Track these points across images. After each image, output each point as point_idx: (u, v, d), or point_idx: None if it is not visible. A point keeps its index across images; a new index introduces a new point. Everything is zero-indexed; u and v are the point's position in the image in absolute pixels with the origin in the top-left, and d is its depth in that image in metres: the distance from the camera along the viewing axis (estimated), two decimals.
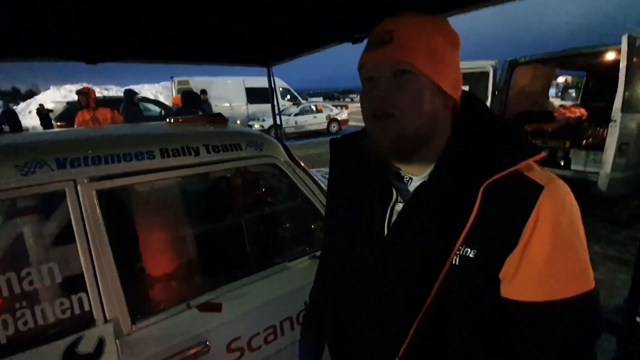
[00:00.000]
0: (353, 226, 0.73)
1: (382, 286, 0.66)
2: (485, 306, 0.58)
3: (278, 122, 4.86)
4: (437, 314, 0.59)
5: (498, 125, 0.64)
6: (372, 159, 0.68)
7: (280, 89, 14.02)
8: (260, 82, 13.01)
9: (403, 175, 0.69)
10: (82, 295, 1.09)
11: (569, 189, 0.57)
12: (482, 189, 0.55)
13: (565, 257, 0.54)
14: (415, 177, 0.67)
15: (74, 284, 1.09)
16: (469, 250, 0.56)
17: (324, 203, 1.62)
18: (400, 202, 0.68)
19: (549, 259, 0.53)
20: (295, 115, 13.66)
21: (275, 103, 4.43)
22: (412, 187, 0.67)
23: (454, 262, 0.57)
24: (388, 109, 0.60)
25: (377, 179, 0.72)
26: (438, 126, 0.63)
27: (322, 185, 1.71)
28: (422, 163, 0.65)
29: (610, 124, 4.29)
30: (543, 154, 0.57)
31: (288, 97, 15.51)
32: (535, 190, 0.54)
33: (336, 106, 18.19)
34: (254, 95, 8.97)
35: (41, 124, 11.54)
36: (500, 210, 0.55)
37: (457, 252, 0.57)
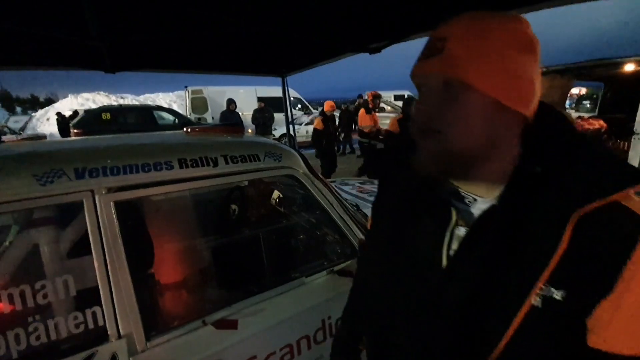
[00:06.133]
0: (399, 247, 0.66)
1: (437, 321, 0.58)
2: (566, 354, 0.50)
3: (291, 131, 4.86)
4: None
5: (587, 143, 0.53)
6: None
7: (292, 98, 14.10)
8: (272, 91, 13.12)
9: (464, 194, 0.60)
10: (96, 309, 1.06)
11: None
12: (575, 218, 0.47)
13: None
14: (480, 198, 0.58)
15: (88, 297, 1.06)
16: (554, 290, 0.48)
17: (343, 216, 1.57)
18: (461, 225, 0.59)
19: None
20: (306, 124, 13.68)
21: (289, 112, 4.44)
22: (476, 209, 0.58)
23: (534, 303, 0.48)
24: (433, 125, 0.54)
25: (430, 196, 0.63)
26: (499, 144, 0.55)
27: (341, 197, 1.66)
28: (485, 182, 0.57)
29: (632, 137, 4.17)
30: None
31: (299, 106, 15.59)
32: (637, 224, 0.46)
33: None
34: (266, 104, 9.18)
35: (59, 132, 11.87)
36: (594, 245, 0.47)
37: (539, 292, 0.48)
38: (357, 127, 7.03)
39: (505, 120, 0.54)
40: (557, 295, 0.47)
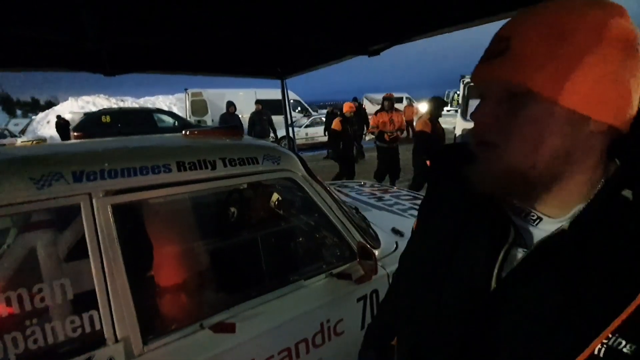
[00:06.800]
0: (444, 258, 0.59)
1: (480, 349, 0.51)
2: None
3: (290, 134, 4.86)
4: None
5: None
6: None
7: (291, 101, 14.14)
8: (272, 94, 13.15)
9: (526, 211, 0.52)
10: (94, 313, 1.05)
11: None
12: None
13: None
14: (547, 217, 0.50)
15: (85, 301, 1.06)
16: (624, 342, 0.41)
17: (342, 219, 1.57)
18: (519, 245, 0.51)
19: None
20: (306, 126, 13.72)
21: (288, 115, 4.45)
22: (539, 229, 0.50)
23: (596, 353, 0.42)
24: (491, 138, 0.48)
25: (486, 209, 0.55)
26: (576, 160, 0.46)
27: (340, 200, 1.66)
28: (555, 202, 0.49)
29: None
30: None
31: (299, 108, 15.65)
32: None
33: None
34: (266, 107, 9.17)
35: (59, 135, 12.01)
36: None
37: (605, 341, 0.41)
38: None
39: (584, 133, 0.45)
40: (626, 348, 0.41)
